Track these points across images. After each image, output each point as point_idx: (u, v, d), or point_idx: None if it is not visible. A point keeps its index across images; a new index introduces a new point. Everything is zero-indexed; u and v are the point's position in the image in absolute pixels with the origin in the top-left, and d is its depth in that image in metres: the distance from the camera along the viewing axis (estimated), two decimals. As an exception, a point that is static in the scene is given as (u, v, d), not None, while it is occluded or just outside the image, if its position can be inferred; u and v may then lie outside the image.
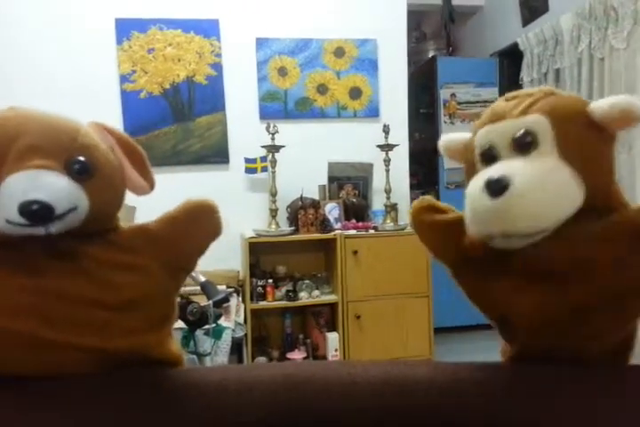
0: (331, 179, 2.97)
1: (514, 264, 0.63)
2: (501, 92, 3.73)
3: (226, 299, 1.33)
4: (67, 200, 0.58)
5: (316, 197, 2.88)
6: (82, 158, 0.61)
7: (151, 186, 0.70)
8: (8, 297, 0.59)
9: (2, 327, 0.59)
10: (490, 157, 0.63)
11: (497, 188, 0.56)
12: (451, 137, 0.73)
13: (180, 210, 0.68)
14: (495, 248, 0.63)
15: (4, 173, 0.58)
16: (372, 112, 3.06)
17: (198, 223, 0.68)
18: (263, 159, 2.79)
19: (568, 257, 0.61)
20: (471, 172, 0.66)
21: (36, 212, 0.55)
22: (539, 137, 0.60)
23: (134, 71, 2.79)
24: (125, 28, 2.77)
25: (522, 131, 0.60)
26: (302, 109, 2.99)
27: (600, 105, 0.60)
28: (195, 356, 1.35)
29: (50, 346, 0.60)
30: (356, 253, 2.67)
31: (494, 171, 0.59)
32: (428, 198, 0.74)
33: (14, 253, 0.60)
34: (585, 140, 0.61)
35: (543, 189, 0.57)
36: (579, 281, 0.60)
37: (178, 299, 1.25)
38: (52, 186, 0.57)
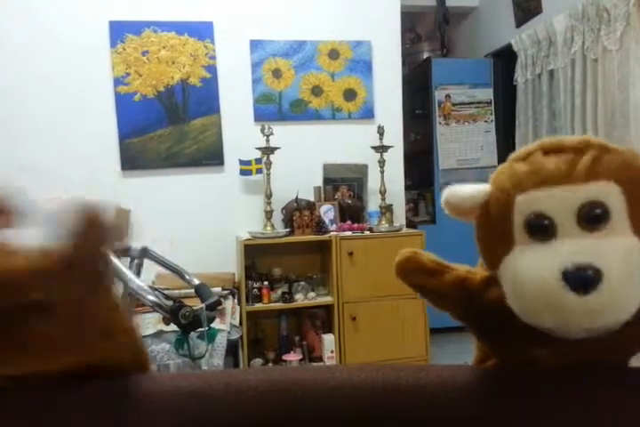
0: (326, 180, 2.98)
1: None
2: (496, 93, 3.75)
3: (218, 302, 1.34)
4: None
5: (312, 198, 2.88)
6: None
7: None
8: None
9: None
10: (541, 228, 0.51)
11: (586, 282, 0.47)
12: (462, 193, 0.56)
13: None
14: None
15: None
16: (367, 114, 3.06)
17: None
18: (258, 161, 2.79)
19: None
20: (504, 242, 0.53)
21: None
22: (610, 209, 0.49)
23: (128, 74, 2.79)
24: (119, 31, 2.77)
25: (591, 202, 0.50)
26: (297, 111, 2.99)
27: None
28: (189, 359, 1.35)
29: None
30: (351, 254, 2.67)
31: (571, 255, 0.48)
32: (411, 257, 0.63)
33: None
34: None
35: (634, 278, 0.49)
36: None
37: (170, 302, 1.25)
38: None
